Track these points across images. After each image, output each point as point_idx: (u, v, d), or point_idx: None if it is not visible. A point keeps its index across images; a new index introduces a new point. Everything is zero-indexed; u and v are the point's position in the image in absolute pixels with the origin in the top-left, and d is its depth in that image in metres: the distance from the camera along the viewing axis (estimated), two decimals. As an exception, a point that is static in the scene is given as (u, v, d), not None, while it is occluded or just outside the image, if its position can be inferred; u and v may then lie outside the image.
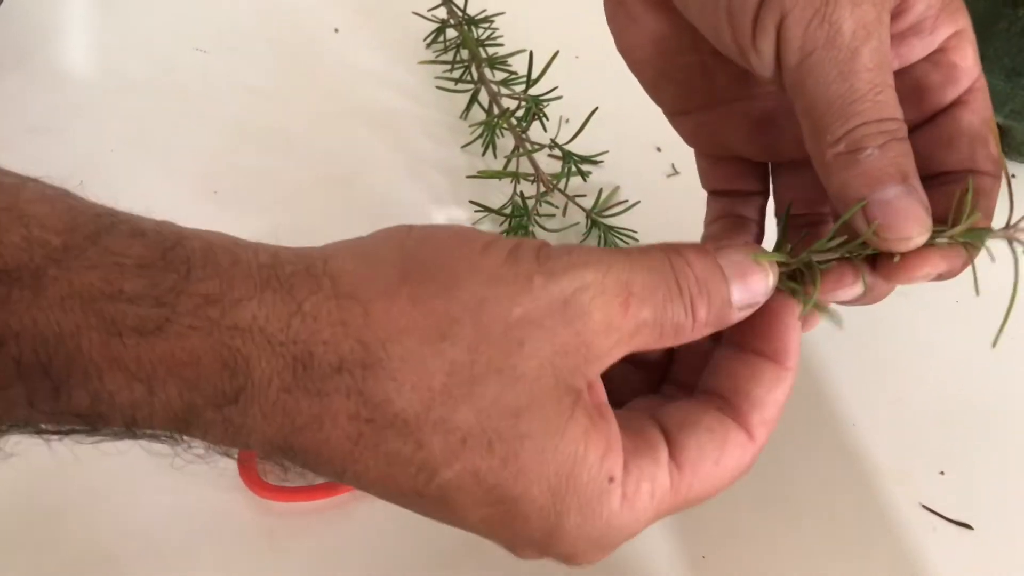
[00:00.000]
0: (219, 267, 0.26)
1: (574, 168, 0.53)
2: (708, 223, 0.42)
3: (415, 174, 0.55)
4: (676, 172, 0.54)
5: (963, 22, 0.34)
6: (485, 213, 0.52)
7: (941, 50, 0.34)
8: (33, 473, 0.43)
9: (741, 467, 0.30)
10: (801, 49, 0.31)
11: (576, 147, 0.54)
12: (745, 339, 0.31)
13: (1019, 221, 0.32)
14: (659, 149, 0.54)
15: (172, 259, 0.25)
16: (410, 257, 0.27)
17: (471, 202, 0.53)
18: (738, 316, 0.30)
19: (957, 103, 0.35)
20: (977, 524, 0.42)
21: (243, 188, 0.53)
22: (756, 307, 0.30)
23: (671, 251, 0.29)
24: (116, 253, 0.25)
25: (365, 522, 0.43)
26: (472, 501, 0.27)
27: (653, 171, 0.54)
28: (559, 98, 0.54)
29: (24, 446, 0.46)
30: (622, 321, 0.28)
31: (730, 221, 0.41)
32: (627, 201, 0.53)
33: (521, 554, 0.30)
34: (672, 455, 0.29)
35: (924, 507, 0.43)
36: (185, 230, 0.27)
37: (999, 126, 0.53)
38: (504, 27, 0.58)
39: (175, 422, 0.26)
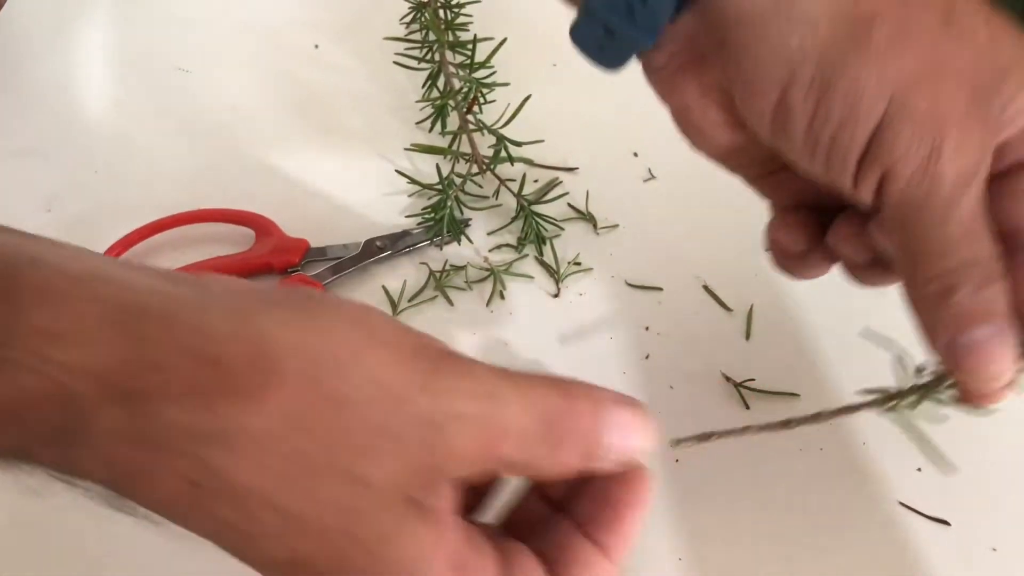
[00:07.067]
0: (56, 294, 0.25)
1: (505, 153, 0.54)
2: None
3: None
4: (652, 176, 0.54)
5: None
6: (418, 188, 0.54)
7: None
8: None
9: None
10: (902, 201, 0.32)
11: (550, 152, 0.54)
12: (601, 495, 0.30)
13: None
14: (636, 154, 0.55)
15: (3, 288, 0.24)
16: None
17: (397, 171, 0.54)
18: (608, 467, 0.29)
19: None
20: (954, 520, 0.42)
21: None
22: (629, 464, 0.29)
23: (565, 396, 0.28)
24: None
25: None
26: None
27: (630, 176, 0.55)
28: (506, 84, 0.55)
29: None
30: (485, 456, 0.27)
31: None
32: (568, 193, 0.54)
33: None
34: None
35: (902, 504, 0.43)
36: (22, 244, 0.26)
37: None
38: (485, 22, 0.59)
39: (7, 456, 0.25)
